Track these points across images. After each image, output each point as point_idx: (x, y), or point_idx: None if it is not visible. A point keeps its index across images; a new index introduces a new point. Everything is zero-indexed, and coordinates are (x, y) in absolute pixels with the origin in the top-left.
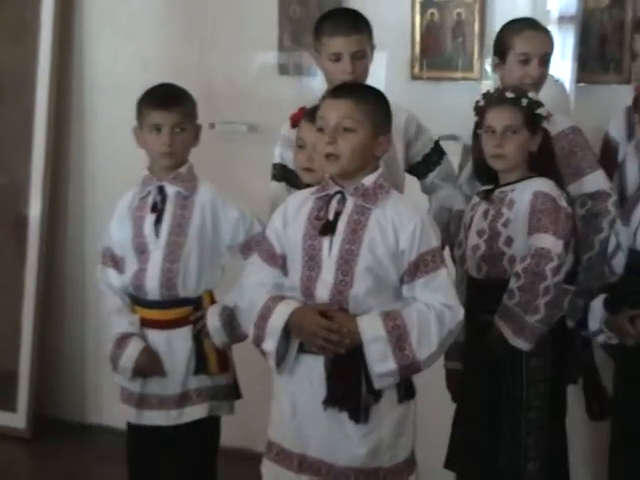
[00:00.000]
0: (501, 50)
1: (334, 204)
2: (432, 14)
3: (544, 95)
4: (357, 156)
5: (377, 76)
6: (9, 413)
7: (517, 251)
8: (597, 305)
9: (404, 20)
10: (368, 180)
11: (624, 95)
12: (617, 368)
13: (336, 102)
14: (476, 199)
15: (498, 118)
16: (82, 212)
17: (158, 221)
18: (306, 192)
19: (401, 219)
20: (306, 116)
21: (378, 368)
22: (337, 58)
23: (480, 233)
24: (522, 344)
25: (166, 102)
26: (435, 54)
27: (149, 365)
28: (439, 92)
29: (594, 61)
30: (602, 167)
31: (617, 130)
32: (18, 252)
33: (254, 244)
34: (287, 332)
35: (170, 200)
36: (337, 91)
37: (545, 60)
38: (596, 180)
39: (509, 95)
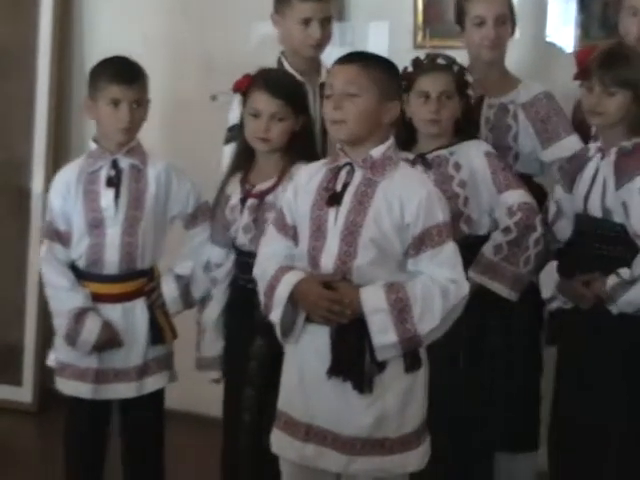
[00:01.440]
0: (459, 17)
1: (343, 175)
2: None
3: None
4: (363, 121)
5: (380, 45)
6: (15, 387)
7: (471, 211)
8: (549, 272)
9: None
10: (377, 152)
11: None
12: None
13: (342, 68)
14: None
15: (433, 84)
16: None
17: (116, 195)
18: (319, 163)
19: (407, 192)
20: (259, 86)
21: (379, 340)
22: (306, 23)
23: None
24: (513, 295)
25: (127, 77)
26: (438, 22)
27: (110, 339)
28: None
29: (596, 27)
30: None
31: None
32: (21, 227)
33: (200, 214)
34: (295, 302)
35: (125, 174)
36: (344, 57)
37: (502, 21)
38: (572, 144)
39: (441, 62)
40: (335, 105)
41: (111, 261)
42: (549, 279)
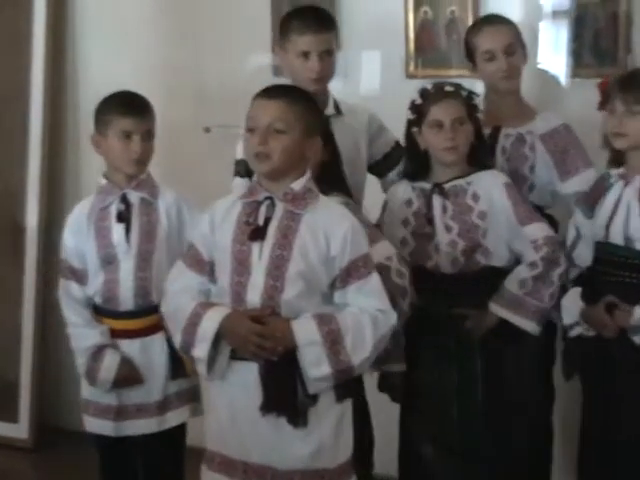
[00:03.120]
0: (470, 54)
1: (263, 210)
2: (425, 12)
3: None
4: (288, 157)
5: (372, 75)
6: (11, 424)
7: (490, 243)
8: (572, 298)
9: (397, 18)
10: (297, 185)
11: None
12: (589, 360)
13: (268, 103)
14: (409, 195)
15: (445, 112)
16: None
17: (127, 230)
18: (233, 196)
19: (332, 224)
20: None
21: (313, 372)
22: (305, 56)
23: (449, 228)
24: (537, 329)
25: (137, 109)
26: (429, 52)
27: (129, 375)
28: None
29: (589, 55)
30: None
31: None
32: (16, 260)
33: None
34: (217, 338)
35: (135, 208)
36: (269, 92)
37: (511, 51)
38: (590, 178)
39: (449, 89)
40: (261, 140)
41: (126, 297)
42: (572, 305)
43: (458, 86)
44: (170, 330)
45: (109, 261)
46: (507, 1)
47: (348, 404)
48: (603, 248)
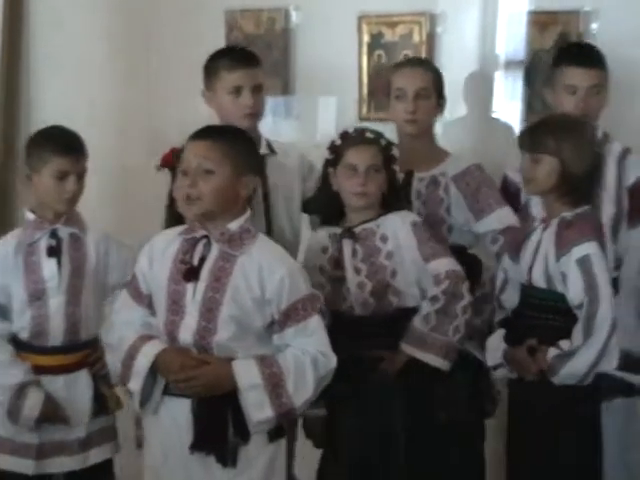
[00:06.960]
0: (386, 90)
1: (200, 248)
2: (379, 55)
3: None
4: (219, 197)
5: (326, 117)
6: None
7: (399, 282)
8: (495, 340)
9: (351, 62)
10: (234, 225)
11: None
12: (513, 402)
13: (196, 144)
14: (326, 243)
15: (361, 157)
16: None
17: (57, 265)
18: (173, 232)
19: (268, 267)
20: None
21: (256, 416)
22: (237, 92)
23: (358, 271)
24: (446, 364)
25: (74, 148)
26: (383, 95)
27: (53, 413)
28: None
29: (538, 102)
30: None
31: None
32: None
33: None
34: (153, 372)
35: (65, 243)
36: (198, 133)
37: (424, 96)
38: (504, 216)
39: (369, 135)
40: (191, 182)
41: (56, 332)
42: (495, 347)
43: (378, 134)
44: (111, 361)
45: (37, 296)
46: (462, 50)
47: (281, 446)
48: (527, 291)
